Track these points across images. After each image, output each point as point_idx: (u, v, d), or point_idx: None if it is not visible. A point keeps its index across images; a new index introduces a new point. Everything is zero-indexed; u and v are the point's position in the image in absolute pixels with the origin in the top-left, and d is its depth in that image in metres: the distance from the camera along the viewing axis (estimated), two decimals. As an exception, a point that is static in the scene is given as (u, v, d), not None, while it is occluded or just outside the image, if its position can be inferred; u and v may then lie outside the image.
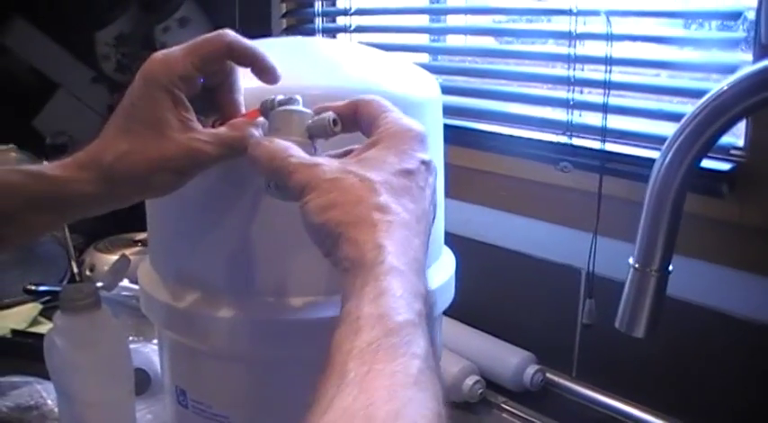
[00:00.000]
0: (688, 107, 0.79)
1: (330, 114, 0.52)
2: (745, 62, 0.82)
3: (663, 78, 0.95)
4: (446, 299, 0.68)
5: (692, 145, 0.59)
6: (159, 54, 0.54)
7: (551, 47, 1.07)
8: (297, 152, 0.49)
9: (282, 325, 0.59)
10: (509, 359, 1.01)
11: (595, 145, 0.93)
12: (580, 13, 0.94)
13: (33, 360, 0.82)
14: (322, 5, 1.36)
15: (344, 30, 1.32)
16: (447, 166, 0.68)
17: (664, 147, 0.60)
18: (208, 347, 0.62)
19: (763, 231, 0.80)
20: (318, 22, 1.37)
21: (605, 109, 0.91)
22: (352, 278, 0.43)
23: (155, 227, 0.68)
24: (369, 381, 0.37)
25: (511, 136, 1.04)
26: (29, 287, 1.21)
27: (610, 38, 0.90)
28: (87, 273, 1.36)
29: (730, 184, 0.81)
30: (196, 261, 0.62)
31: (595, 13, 0.92)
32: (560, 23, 0.98)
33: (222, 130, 0.54)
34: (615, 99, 0.92)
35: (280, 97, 0.54)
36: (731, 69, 0.80)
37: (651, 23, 0.96)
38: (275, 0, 1.45)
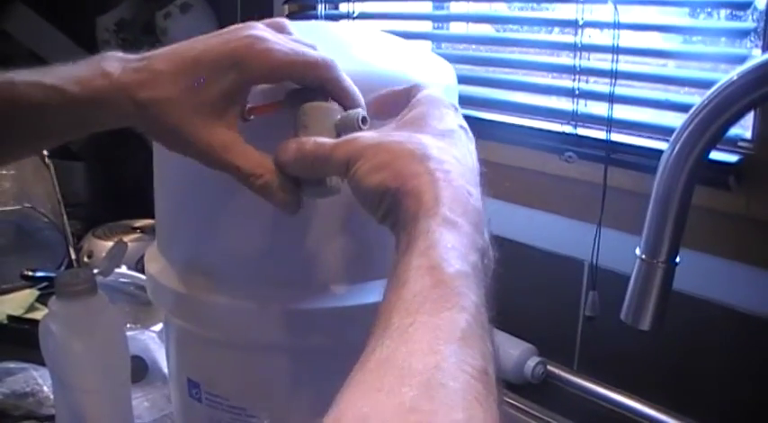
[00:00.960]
0: (695, 98, 0.79)
1: (359, 111, 0.50)
2: (755, 53, 0.81)
3: (670, 68, 0.94)
4: None
5: (700, 136, 0.58)
6: (261, 50, 0.50)
7: (557, 35, 1.05)
8: (325, 139, 0.48)
9: (301, 314, 0.58)
10: (510, 351, 1.00)
11: (601, 135, 0.92)
12: (587, 0, 0.93)
13: (30, 346, 0.82)
14: (325, -9, 1.35)
15: (347, 16, 1.31)
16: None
17: (672, 138, 0.59)
18: (223, 337, 0.61)
19: (770, 224, 0.79)
20: (321, 8, 1.36)
21: (611, 99, 0.90)
22: (406, 234, 0.42)
23: (163, 211, 0.66)
24: (411, 332, 0.35)
25: (514, 125, 1.03)
26: (26, 273, 1.20)
27: (616, 26, 0.88)
28: (85, 259, 1.36)
29: (737, 177, 0.80)
30: (207, 246, 0.61)
31: (602, 1, 0.91)
32: (566, 11, 0.97)
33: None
34: (621, 89, 0.90)
35: (304, 88, 0.52)
36: (740, 60, 0.79)
37: (658, 12, 0.95)
38: (278, -14, 1.43)
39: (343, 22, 1.31)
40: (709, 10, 0.92)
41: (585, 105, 0.96)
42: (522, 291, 1.05)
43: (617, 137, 0.91)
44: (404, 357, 0.34)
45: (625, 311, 0.62)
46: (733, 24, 0.88)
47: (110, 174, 1.69)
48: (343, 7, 1.33)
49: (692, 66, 0.92)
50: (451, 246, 0.40)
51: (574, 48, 0.95)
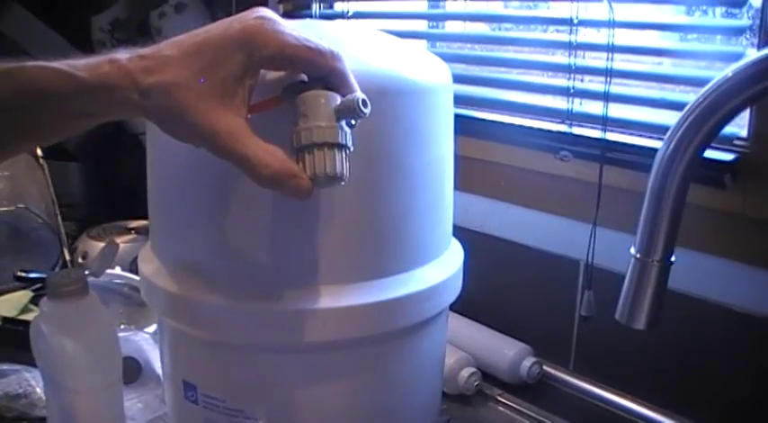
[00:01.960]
0: (691, 96, 0.78)
1: (358, 95, 0.50)
2: (750, 50, 0.81)
3: (666, 66, 0.94)
4: (453, 292, 0.67)
5: (695, 134, 0.58)
6: (270, 31, 0.49)
7: (552, 34, 1.05)
8: None
9: (296, 314, 0.58)
10: (505, 351, 0.99)
11: (596, 134, 0.91)
12: (582, -1, 0.93)
13: (23, 348, 0.81)
14: (320, -10, 1.34)
15: (342, 16, 1.31)
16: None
17: (666, 136, 0.59)
18: (218, 338, 0.61)
19: (766, 223, 0.78)
20: (316, 7, 1.35)
21: (606, 97, 0.89)
22: None
23: (156, 211, 0.66)
24: None
25: (510, 124, 1.03)
26: (19, 274, 1.20)
27: (612, 25, 0.88)
28: (80, 260, 1.35)
29: (733, 175, 0.80)
30: (201, 247, 0.61)
31: (597, -1, 0.91)
32: (561, 10, 0.96)
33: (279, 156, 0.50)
34: (616, 87, 0.90)
35: (303, 79, 0.52)
36: (736, 57, 0.79)
37: (654, 10, 0.95)
38: (272, -16, 1.43)
39: (339, 21, 1.30)
40: (705, 8, 0.91)
41: (581, 104, 0.95)
42: (517, 290, 1.04)
43: (612, 135, 0.90)
44: None
45: (620, 311, 0.62)
46: (728, 22, 0.87)
47: (104, 174, 1.68)
48: (338, 6, 1.33)
49: (688, 64, 0.91)
50: None
51: (569, 46, 0.95)
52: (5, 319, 1.14)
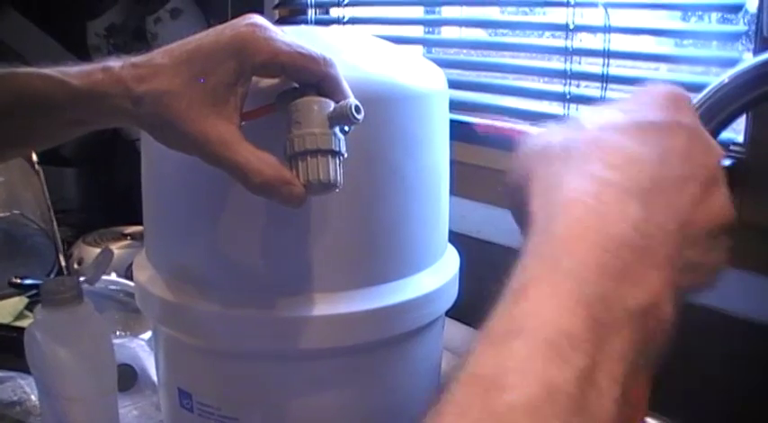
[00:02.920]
0: (687, 101, 0.78)
1: (351, 101, 0.50)
2: (746, 56, 0.81)
3: (662, 72, 0.94)
4: (449, 299, 0.66)
5: (691, 140, 0.58)
6: (262, 38, 0.49)
7: (548, 39, 1.05)
8: None
9: (291, 322, 0.58)
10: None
11: (592, 140, 0.91)
12: (577, 4, 0.93)
13: (18, 355, 0.81)
14: (315, -4, 1.34)
15: (338, 21, 1.30)
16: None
17: (663, 141, 0.59)
18: (213, 345, 0.61)
19: (763, 229, 0.78)
20: (311, 13, 1.35)
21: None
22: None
23: (151, 218, 0.66)
24: None
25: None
26: (14, 280, 1.19)
27: (608, 30, 0.88)
28: (75, 266, 1.35)
29: (730, 181, 0.79)
30: (195, 254, 0.61)
31: (593, 4, 0.91)
32: (557, 15, 0.96)
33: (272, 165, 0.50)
34: (613, 93, 0.90)
35: (295, 86, 0.52)
36: (732, 63, 0.79)
37: (650, 16, 0.95)
38: (268, -9, 1.43)
39: (334, 26, 1.30)
40: (701, 13, 0.92)
41: (577, 109, 0.95)
42: (514, 296, 1.04)
43: (609, 141, 0.90)
44: None
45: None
46: (724, 28, 0.87)
47: (100, 180, 1.68)
48: (334, 12, 1.33)
49: (684, 69, 0.92)
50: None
51: (565, 52, 0.95)
52: (0, 325, 1.13)
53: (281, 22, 1.42)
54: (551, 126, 0.39)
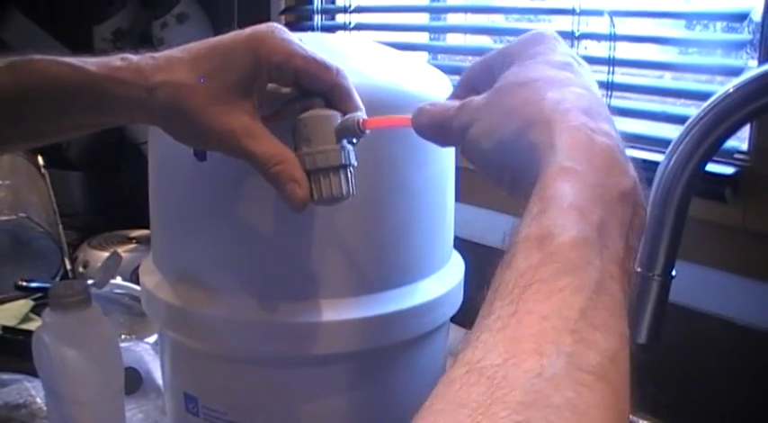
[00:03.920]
0: (692, 109, 0.79)
1: (359, 114, 0.50)
2: (751, 64, 0.81)
3: (666, 80, 0.94)
4: (454, 305, 0.67)
5: (696, 148, 0.58)
6: (279, 39, 0.50)
7: (553, 47, 1.05)
8: (451, 103, 0.46)
9: (297, 327, 0.58)
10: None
11: (597, 147, 0.91)
12: (583, 12, 0.93)
13: (24, 357, 0.81)
14: (321, 2, 1.35)
15: (344, 27, 1.31)
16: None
17: (668, 150, 0.59)
18: (219, 350, 0.61)
19: (766, 236, 0.78)
20: (317, 19, 1.35)
21: (607, 110, 0.90)
22: (530, 199, 0.36)
23: (158, 223, 0.66)
24: (512, 325, 0.29)
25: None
26: (20, 283, 1.19)
27: (613, 38, 0.88)
28: (81, 269, 1.35)
29: (734, 189, 0.80)
30: (202, 259, 0.61)
31: (598, 13, 0.91)
32: (562, 23, 0.97)
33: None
34: (618, 100, 0.90)
35: (301, 95, 0.52)
36: (736, 72, 0.79)
37: (655, 24, 0.95)
38: (274, -3, 1.44)
39: (340, 33, 1.31)
40: (706, 22, 0.92)
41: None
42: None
43: (613, 148, 0.90)
44: (499, 362, 0.28)
45: (621, 324, 0.62)
46: (729, 36, 0.88)
47: (106, 183, 1.68)
48: (340, 18, 1.33)
49: (689, 78, 0.92)
50: (568, 204, 0.33)
51: (570, 59, 0.95)
52: (6, 328, 1.14)
53: (286, 27, 1.42)
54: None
